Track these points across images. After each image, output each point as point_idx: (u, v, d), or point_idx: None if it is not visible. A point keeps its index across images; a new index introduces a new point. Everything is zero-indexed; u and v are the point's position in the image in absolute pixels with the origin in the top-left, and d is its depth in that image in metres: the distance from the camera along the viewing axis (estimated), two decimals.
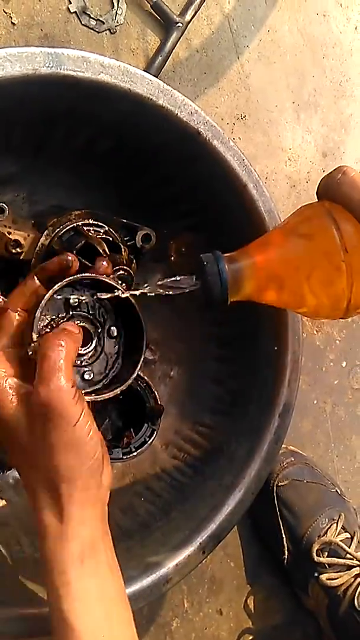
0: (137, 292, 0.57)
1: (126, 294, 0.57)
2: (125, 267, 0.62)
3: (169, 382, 0.79)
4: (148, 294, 0.56)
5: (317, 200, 0.57)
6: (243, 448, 0.73)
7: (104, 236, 0.66)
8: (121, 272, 0.61)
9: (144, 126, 0.65)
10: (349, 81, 0.96)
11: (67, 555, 0.50)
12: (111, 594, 0.52)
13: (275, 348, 0.72)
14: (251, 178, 0.68)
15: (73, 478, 0.51)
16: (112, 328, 0.61)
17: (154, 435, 0.69)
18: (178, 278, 0.55)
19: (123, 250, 0.65)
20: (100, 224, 0.67)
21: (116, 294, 0.57)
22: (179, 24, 0.80)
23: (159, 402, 0.70)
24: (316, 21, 0.94)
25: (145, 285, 0.56)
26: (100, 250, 0.63)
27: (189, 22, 0.81)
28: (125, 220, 0.69)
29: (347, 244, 0.52)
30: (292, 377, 0.72)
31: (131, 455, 0.68)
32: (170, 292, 0.55)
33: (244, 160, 0.67)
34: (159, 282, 0.56)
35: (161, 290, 0.56)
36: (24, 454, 0.52)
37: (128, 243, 0.68)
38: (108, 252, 0.63)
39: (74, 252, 0.63)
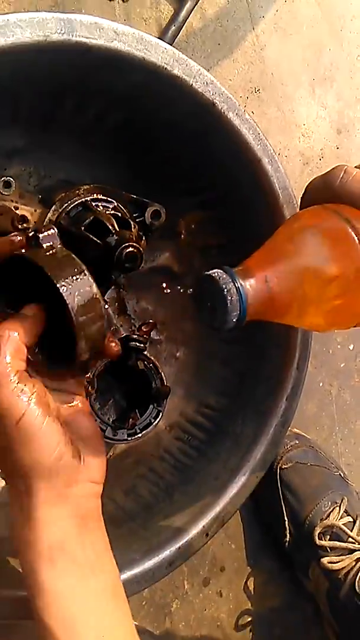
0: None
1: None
2: (134, 244, 0.60)
3: (175, 362, 0.78)
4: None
5: (301, 205, 0.55)
6: (249, 430, 0.72)
7: (112, 212, 0.64)
8: (131, 249, 0.59)
9: (157, 97, 0.63)
10: None
11: (36, 556, 0.49)
12: (94, 592, 0.50)
13: (284, 326, 0.70)
14: (266, 152, 0.66)
15: (33, 476, 0.48)
16: None
17: (160, 416, 0.68)
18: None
19: (133, 226, 0.63)
20: (109, 199, 0.65)
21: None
22: None
23: (165, 383, 0.68)
24: None
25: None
26: (109, 226, 0.61)
27: None
28: (134, 196, 0.67)
29: None
30: (301, 359, 0.71)
31: (136, 436, 0.68)
32: None
33: (259, 134, 0.65)
34: None
35: None
36: None
37: (137, 219, 0.67)
38: (117, 229, 0.61)
39: (82, 228, 0.62)
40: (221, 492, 0.69)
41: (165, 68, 0.60)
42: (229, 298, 0.45)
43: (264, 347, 0.73)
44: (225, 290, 0.45)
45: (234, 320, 0.46)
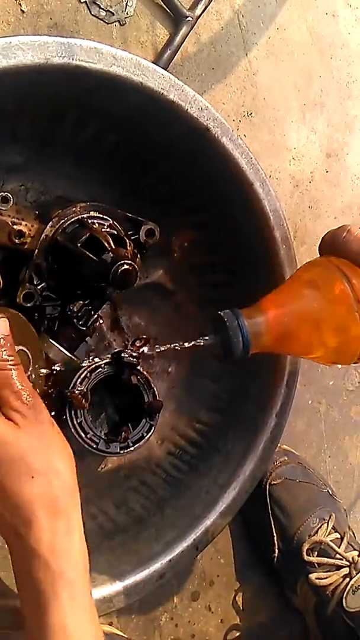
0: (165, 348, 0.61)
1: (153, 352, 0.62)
2: (130, 262, 0.61)
3: (167, 377, 0.79)
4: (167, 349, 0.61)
5: (319, 253, 0.63)
6: (239, 447, 0.73)
7: (108, 229, 0.66)
8: (126, 266, 0.61)
9: (153, 120, 0.65)
10: (356, 82, 0.96)
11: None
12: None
13: None
14: (258, 177, 0.68)
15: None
16: None
17: (152, 430, 0.69)
18: (200, 341, 0.59)
19: (128, 244, 0.64)
20: (104, 217, 0.67)
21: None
22: (189, 18, 0.80)
23: (158, 398, 0.69)
24: (325, 21, 0.93)
25: (175, 345, 0.61)
26: (105, 243, 0.62)
27: (199, 16, 0.81)
28: (129, 214, 0.69)
29: (359, 296, 0.57)
30: (290, 377, 0.73)
31: (128, 449, 0.68)
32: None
33: (251, 158, 0.67)
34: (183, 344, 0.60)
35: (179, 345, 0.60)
36: None
37: (132, 237, 0.68)
38: (113, 246, 0.62)
39: (79, 244, 0.63)
40: (212, 507, 0.71)
41: (162, 93, 0.62)
42: (232, 333, 0.55)
43: (254, 365, 0.74)
44: (230, 327, 0.55)
45: (239, 352, 0.55)
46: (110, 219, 0.67)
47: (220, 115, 0.85)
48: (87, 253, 0.62)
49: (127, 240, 0.65)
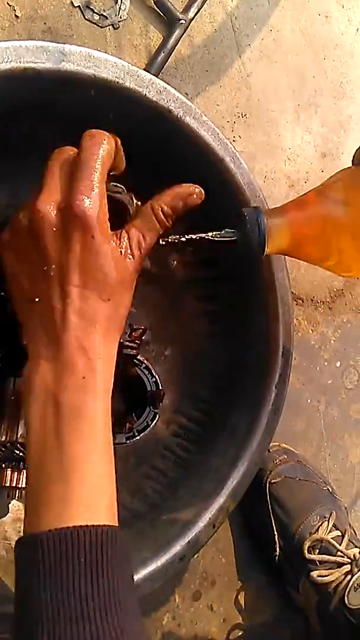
0: (180, 237, 0.58)
1: (168, 240, 0.58)
2: None
3: (164, 361, 0.79)
4: (186, 240, 0.58)
5: (352, 164, 0.60)
6: (243, 421, 0.74)
7: None
8: None
9: (114, 110, 0.64)
10: (349, 82, 0.97)
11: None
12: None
13: (266, 318, 0.72)
14: (227, 151, 0.67)
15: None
16: None
17: (157, 418, 0.69)
18: (219, 233, 0.58)
19: None
20: None
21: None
22: (182, 21, 0.81)
23: (160, 387, 0.70)
24: (318, 22, 0.94)
25: (187, 234, 0.58)
26: None
27: (192, 19, 0.82)
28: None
29: None
30: (285, 347, 0.73)
31: (134, 439, 0.68)
32: (209, 238, 0.58)
33: (218, 134, 0.67)
34: (201, 234, 0.58)
35: (199, 236, 0.58)
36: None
37: None
38: None
39: None
40: (223, 483, 0.71)
41: (117, 82, 0.61)
42: (250, 227, 0.56)
43: (249, 340, 0.75)
44: (249, 221, 0.56)
45: (254, 246, 0.57)
46: None
47: (214, 116, 0.86)
48: None
49: None
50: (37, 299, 0.50)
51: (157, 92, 0.63)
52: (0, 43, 0.55)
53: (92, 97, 0.62)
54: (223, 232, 0.58)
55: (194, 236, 0.58)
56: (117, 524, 0.48)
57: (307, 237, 0.58)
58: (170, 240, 0.58)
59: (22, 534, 0.47)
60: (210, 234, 0.58)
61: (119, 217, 0.57)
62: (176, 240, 0.58)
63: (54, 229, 0.49)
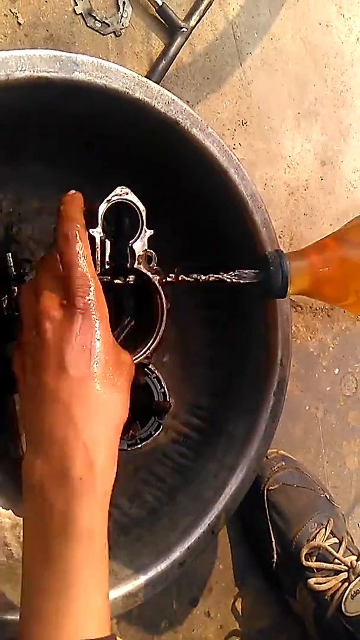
0: (199, 278, 0.61)
1: (188, 280, 0.61)
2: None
3: (163, 367, 0.79)
4: (205, 280, 0.61)
5: None
6: (241, 428, 0.74)
7: None
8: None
9: (123, 120, 0.65)
10: (349, 91, 0.97)
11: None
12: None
13: (265, 326, 0.74)
14: (232, 163, 0.69)
15: None
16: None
17: (160, 429, 0.69)
18: (245, 272, 0.61)
19: None
20: None
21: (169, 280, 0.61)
22: (184, 29, 0.81)
23: (168, 399, 0.70)
24: (319, 31, 0.95)
25: (209, 275, 0.61)
26: None
27: (194, 27, 0.82)
28: None
29: None
30: (283, 355, 0.74)
31: (136, 447, 0.68)
32: (231, 280, 0.61)
33: (223, 146, 0.68)
34: (221, 276, 0.60)
35: (219, 277, 0.61)
36: None
37: None
38: None
39: None
40: (222, 490, 0.72)
41: (127, 93, 0.62)
42: (273, 270, 0.59)
43: (247, 348, 0.76)
44: (273, 264, 0.59)
45: (278, 289, 0.60)
46: None
47: (215, 124, 0.86)
48: None
49: None
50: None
51: (166, 103, 0.64)
52: (15, 52, 0.56)
53: (102, 107, 0.63)
54: (245, 273, 0.60)
55: (214, 276, 0.60)
56: (108, 633, 0.48)
57: (327, 279, 0.61)
58: (191, 280, 0.60)
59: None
60: (232, 275, 0.60)
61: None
62: (200, 280, 0.60)
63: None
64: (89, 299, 0.50)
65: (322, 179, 0.96)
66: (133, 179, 0.65)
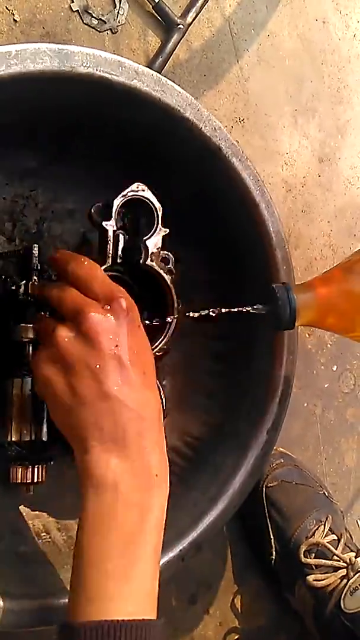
0: (211, 312, 0.62)
1: (201, 314, 0.62)
2: None
3: (161, 391, 0.79)
4: (217, 314, 0.62)
5: None
6: (229, 461, 0.74)
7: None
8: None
9: (168, 136, 0.67)
10: (347, 88, 0.97)
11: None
12: None
13: (269, 364, 0.74)
14: (264, 198, 0.70)
15: None
16: None
17: None
18: (254, 306, 0.62)
19: None
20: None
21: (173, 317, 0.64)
22: (180, 26, 0.81)
23: (164, 407, 0.69)
24: (316, 27, 0.95)
25: (211, 310, 0.62)
26: None
27: (190, 24, 0.82)
28: None
29: None
30: (283, 395, 0.73)
31: None
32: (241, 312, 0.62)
33: (258, 180, 0.69)
34: (232, 309, 0.62)
35: (230, 310, 0.62)
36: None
37: None
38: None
39: None
40: (199, 519, 0.71)
41: (178, 110, 0.64)
42: (281, 303, 0.60)
43: (248, 382, 0.76)
44: (280, 298, 0.60)
45: (286, 322, 0.60)
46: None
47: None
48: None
49: None
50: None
51: (213, 129, 0.66)
52: (83, 49, 0.58)
53: (152, 119, 0.64)
54: (254, 307, 0.61)
55: (225, 310, 0.62)
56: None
57: (333, 311, 0.62)
58: (203, 314, 0.62)
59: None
60: (240, 308, 0.61)
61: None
62: (213, 314, 0.62)
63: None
64: (127, 303, 0.53)
65: (319, 176, 0.96)
66: (166, 202, 0.66)
